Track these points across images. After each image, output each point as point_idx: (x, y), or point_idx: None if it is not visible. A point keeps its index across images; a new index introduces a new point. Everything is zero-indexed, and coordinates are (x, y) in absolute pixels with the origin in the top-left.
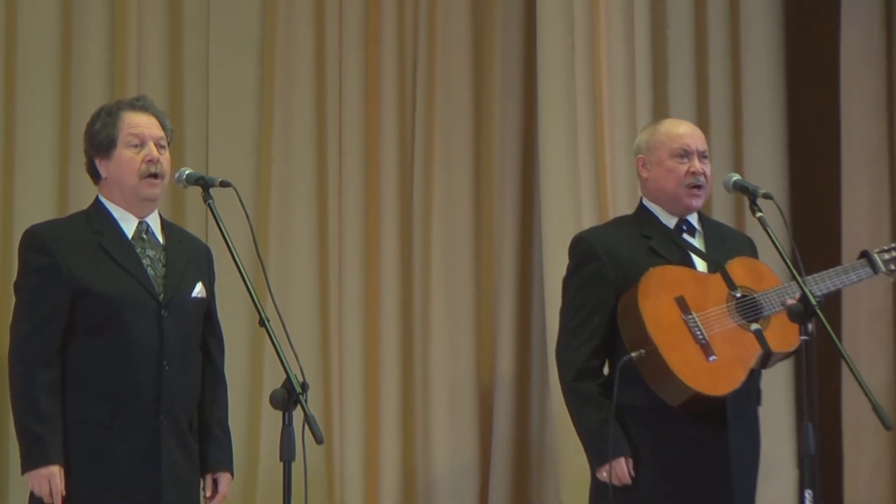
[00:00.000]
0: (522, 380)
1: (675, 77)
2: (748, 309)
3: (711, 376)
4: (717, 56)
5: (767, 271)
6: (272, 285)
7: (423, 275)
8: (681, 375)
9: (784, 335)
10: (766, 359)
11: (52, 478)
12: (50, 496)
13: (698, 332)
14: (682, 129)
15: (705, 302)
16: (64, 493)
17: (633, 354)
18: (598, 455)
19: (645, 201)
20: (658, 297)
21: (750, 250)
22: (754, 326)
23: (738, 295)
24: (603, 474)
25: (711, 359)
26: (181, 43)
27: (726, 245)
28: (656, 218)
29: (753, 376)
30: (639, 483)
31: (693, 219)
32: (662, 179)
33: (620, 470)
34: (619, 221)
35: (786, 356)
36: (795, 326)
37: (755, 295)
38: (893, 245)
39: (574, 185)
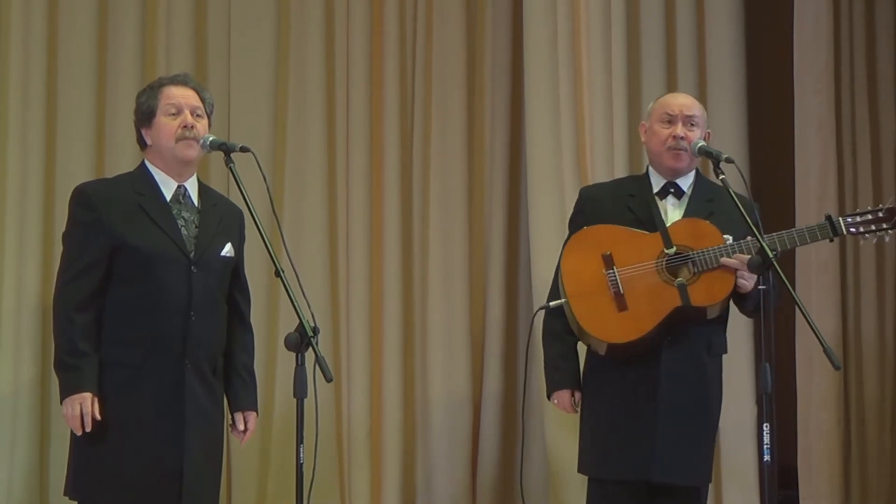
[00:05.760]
0: (511, 325)
1: (647, 54)
2: (679, 265)
3: (618, 325)
4: (685, 34)
5: (713, 232)
6: (286, 239)
7: (421, 232)
8: (583, 324)
9: (710, 289)
10: (688, 310)
11: (84, 401)
12: (79, 419)
13: (615, 286)
14: (675, 100)
15: (636, 258)
16: (98, 417)
17: (552, 303)
18: (550, 384)
19: (649, 164)
20: (584, 252)
21: (742, 215)
22: (678, 281)
23: (672, 252)
24: (555, 402)
25: (621, 311)
26: (205, 18)
27: (712, 206)
28: (648, 179)
29: (713, 328)
30: (586, 413)
31: (684, 183)
32: (651, 142)
33: (564, 401)
34: (623, 179)
35: (720, 307)
36: (724, 281)
37: (690, 252)
38: (874, 209)
39: (557, 151)
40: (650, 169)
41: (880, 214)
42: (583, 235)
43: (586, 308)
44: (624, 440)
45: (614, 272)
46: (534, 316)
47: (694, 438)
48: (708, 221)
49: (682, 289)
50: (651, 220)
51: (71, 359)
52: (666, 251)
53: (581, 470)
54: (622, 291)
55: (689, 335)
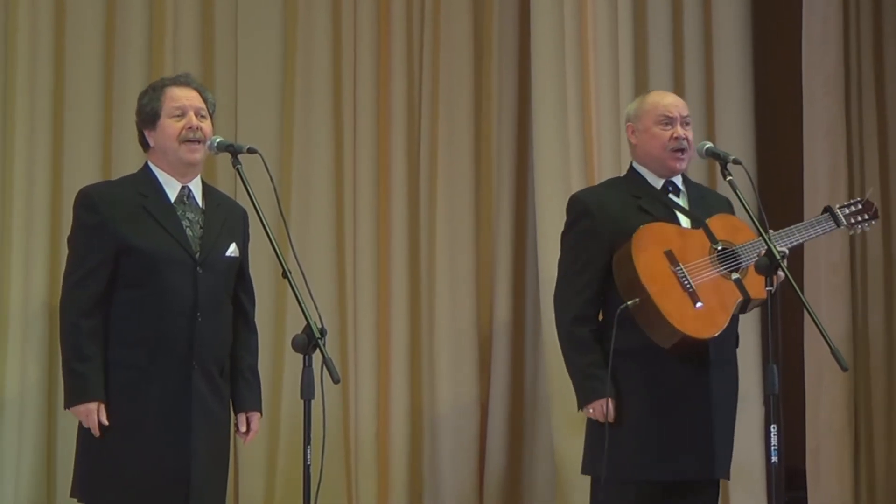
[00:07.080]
0: (518, 326)
1: (654, 55)
2: (728, 260)
3: (698, 321)
4: (692, 36)
5: (744, 226)
6: (294, 241)
7: (429, 233)
8: (671, 320)
9: (761, 282)
10: (745, 304)
11: (90, 413)
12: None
13: (686, 282)
14: (667, 100)
15: (690, 254)
16: (106, 423)
17: (630, 303)
18: (585, 394)
19: (635, 164)
20: (649, 250)
21: (728, 209)
22: (735, 276)
23: (720, 248)
24: (590, 411)
25: (698, 305)
26: (212, 20)
27: (706, 204)
28: (645, 180)
29: (732, 322)
30: (629, 417)
31: (678, 181)
32: (649, 145)
33: (601, 410)
34: (612, 182)
35: (762, 302)
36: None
37: (735, 247)
38: (854, 201)
39: (564, 151)
40: (642, 169)
41: (860, 206)
42: (643, 234)
43: (671, 305)
44: (680, 440)
45: (682, 268)
46: (618, 313)
47: (731, 431)
48: (736, 216)
49: (740, 283)
50: (670, 219)
51: (77, 364)
52: (714, 247)
53: (621, 475)
54: (693, 287)
55: (727, 329)
